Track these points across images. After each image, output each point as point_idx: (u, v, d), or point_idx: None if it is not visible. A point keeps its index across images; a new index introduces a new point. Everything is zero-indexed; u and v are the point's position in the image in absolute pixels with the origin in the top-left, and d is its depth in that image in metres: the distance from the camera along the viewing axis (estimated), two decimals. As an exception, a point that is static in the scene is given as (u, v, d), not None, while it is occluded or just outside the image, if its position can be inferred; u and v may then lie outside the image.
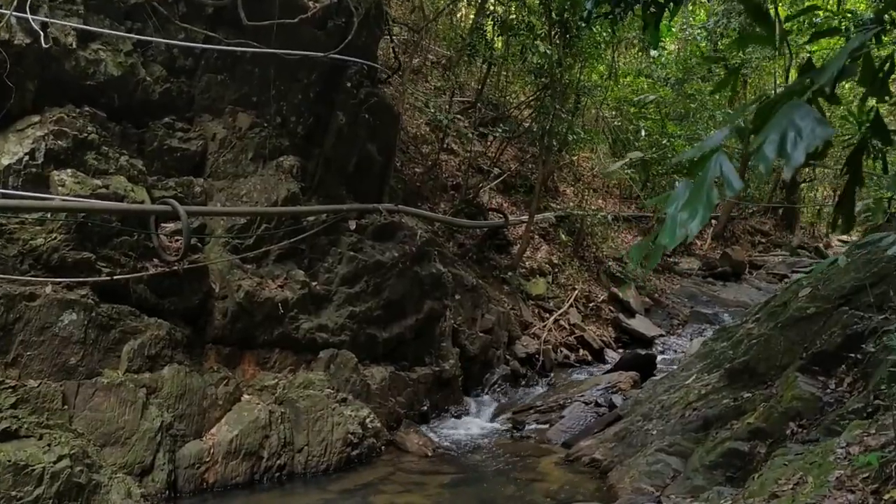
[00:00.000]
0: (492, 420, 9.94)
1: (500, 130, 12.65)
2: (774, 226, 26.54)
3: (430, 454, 8.28)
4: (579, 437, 8.49)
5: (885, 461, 3.19)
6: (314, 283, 8.42)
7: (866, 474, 3.36)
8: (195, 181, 7.86)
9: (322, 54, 8.39)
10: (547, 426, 9.38)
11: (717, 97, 18.78)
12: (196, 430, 6.94)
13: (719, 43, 22.18)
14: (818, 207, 29.79)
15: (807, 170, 27.09)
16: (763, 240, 24.81)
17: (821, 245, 27.25)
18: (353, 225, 9.05)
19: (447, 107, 14.43)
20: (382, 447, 8.14)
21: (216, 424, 7.11)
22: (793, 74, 25.76)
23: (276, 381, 7.77)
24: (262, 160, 8.41)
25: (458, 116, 13.37)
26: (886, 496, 3.04)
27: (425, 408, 9.48)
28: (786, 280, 19.35)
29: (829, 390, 6.24)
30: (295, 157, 8.68)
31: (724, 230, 22.62)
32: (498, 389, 10.89)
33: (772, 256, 22.48)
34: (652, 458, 6.78)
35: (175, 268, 7.05)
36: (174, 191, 7.56)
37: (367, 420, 7.98)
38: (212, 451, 6.90)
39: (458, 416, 9.88)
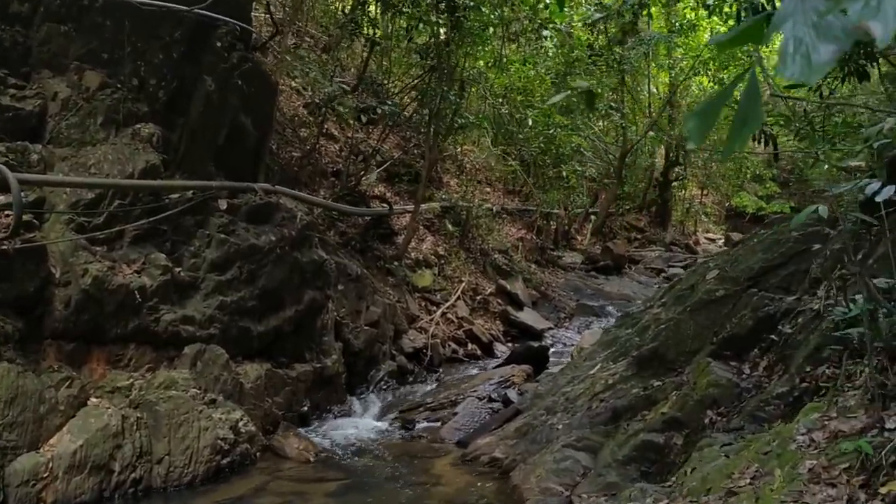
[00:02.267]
0: (379, 420, 9.16)
1: (386, 106, 11.82)
2: (649, 223, 27.15)
3: (312, 459, 7.42)
4: (476, 435, 7.85)
5: (875, 449, 2.71)
6: (178, 269, 7.37)
7: (845, 464, 2.87)
8: (31, 147, 6.65)
9: (187, 8, 7.35)
10: (439, 424, 8.70)
11: (600, 91, 18.78)
12: (31, 441, 5.81)
13: (599, 38, 22.38)
14: (687, 206, 30.87)
15: (678, 168, 27.93)
16: (638, 236, 25.30)
17: (690, 242, 28.19)
18: (223, 204, 8.05)
19: (328, 87, 13.51)
20: (258, 453, 7.22)
21: (56, 434, 5.99)
22: (663, 76, 26.49)
23: (131, 381, 6.69)
24: (116, 127, 7.28)
25: (341, 98, 12.46)
26: (884, 489, 2.54)
27: (305, 408, 8.60)
28: (663, 274, 19.69)
29: (744, 375, 5.88)
30: (155, 125, 7.59)
31: (603, 226, 22.83)
32: (384, 387, 10.12)
33: (648, 251, 22.88)
34: (559, 455, 6.21)
35: (4, 247, 5.87)
36: (4, 157, 6.34)
37: (240, 423, 7.04)
38: (50, 465, 5.78)
39: (342, 417, 9.05)
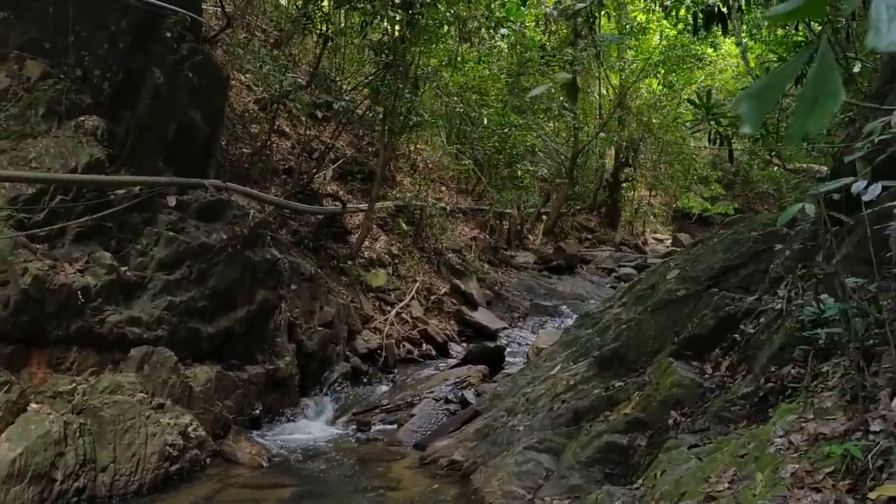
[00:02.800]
0: (333, 422, 8.94)
1: (342, 102, 11.57)
2: (599, 223, 27.38)
3: (264, 464, 7.17)
4: (433, 438, 7.70)
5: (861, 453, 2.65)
6: (124, 268, 7.05)
7: (830, 468, 2.80)
8: (-34, 139, 6.28)
9: (135, -4, 7.06)
10: (395, 427, 8.53)
11: (553, 92, 18.82)
12: (-36, 451, 5.45)
13: (551, 39, 22.48)
14: (636, 207, 31.24)
15: (627, 170, 28.23)
16: (589, 236, 25.49)
17: (639, 242, 28.53)
18: (172, 201, 7.74)
19: (279, 85, 13.20)
20: (208, 459, 6.95)
21: (-7, 442, 5.64)
22: (613, 79, 26.74)
23: (74, 385, 6.36)
24: (58, 119, 6.92)
25: (294, 93, 12.17)
26: (873, 494, 2.47)
27: (257, 412, 8.34)
28: (614, 274, 19.84)
29: (707, 375, 5.85)
30: (100, 117, 7.24)
31: (554, 226, 22.91)
32: (338, 389, 9.90)
33: (599, 251, 23.04)
34: (521, 457, 6.10)
35: (-65, 244, 5.51)
36: (-64, 148, 5.97)
37: (190, 428, 6.76)
38: (-14, 475, 5.45)
39: (296, 420, 8.81)
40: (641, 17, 23.06)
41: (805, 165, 11.87)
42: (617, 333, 6.80)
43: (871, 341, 3.48)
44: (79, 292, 6.48)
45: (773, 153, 9.12)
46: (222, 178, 8.87)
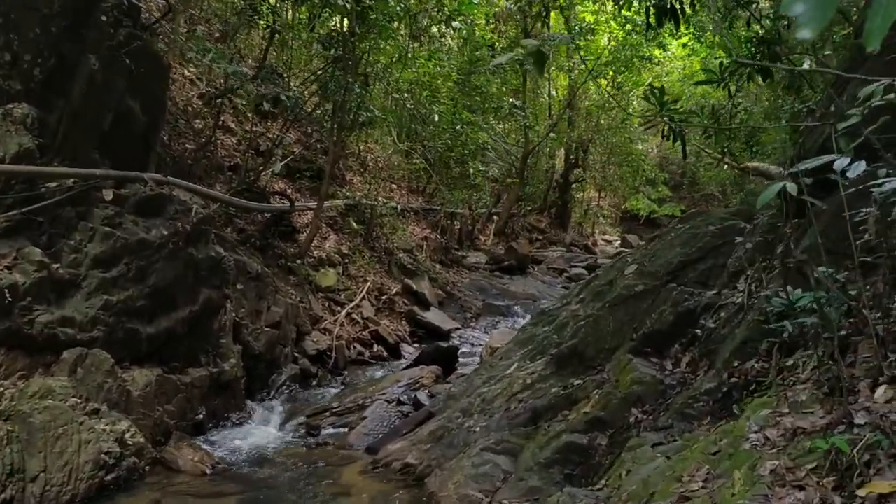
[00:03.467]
0: (281, 427, 8.60)
1: (290, 93, 11.21)
2: (549, 224, 27.44)
3: (208, 472, 6.82)
4: (386, 440, 7.44)
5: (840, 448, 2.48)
6: (56, 266, 6.62)
7: (812, 464, 2.65)
8: None
9: (68, -24, 6.64)
10: (346, 430, 8.24)
11: (504, 89, 18.73)
12: None
13: (501, 40, 22.39)
14: (585, 208, 31.43)
15: (577, 170, 28.37)
16: (540, 237, 25.51)
17: (589, 243, 28.68)
18: (109, 195, 7.33)
19: (224, 75, 12.77)
20: (147, 467, 6.56)
21: None
22: (562, 80, 26.84)
23: (1, 390, 5.93)
24: (-17, 106, 6.47)
25: (240, 86, 11.77)
26: (862, 491, 2.31)
27: (201, 416, 7.96)
28: (565, 274, 19.82)
29: (667, 372, 5.72)
30: (30, 105, 6.81)
31: (506, 227, 22.83)
32: (287, 391, 9.55)
33: (550, 252, 23.04)
34: (478, 459, 5.89)
35: None
36: None
37: (127, 435, 6.38)
38: None
39: (242, 424, 8.45)
40: (590, 18, 23.17)
41: (756, 164, 11.93)
42: (575, 330, 6.63)
43: (844, 332, 3.35)
44: (6, 291, 6.05)
45: (725, 149, 9.09)
46: (163, 173, 8.48)
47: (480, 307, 14.76)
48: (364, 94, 12.67)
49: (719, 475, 3.03)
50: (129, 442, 6.39)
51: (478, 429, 6.34)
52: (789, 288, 4.34)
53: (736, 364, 4.88)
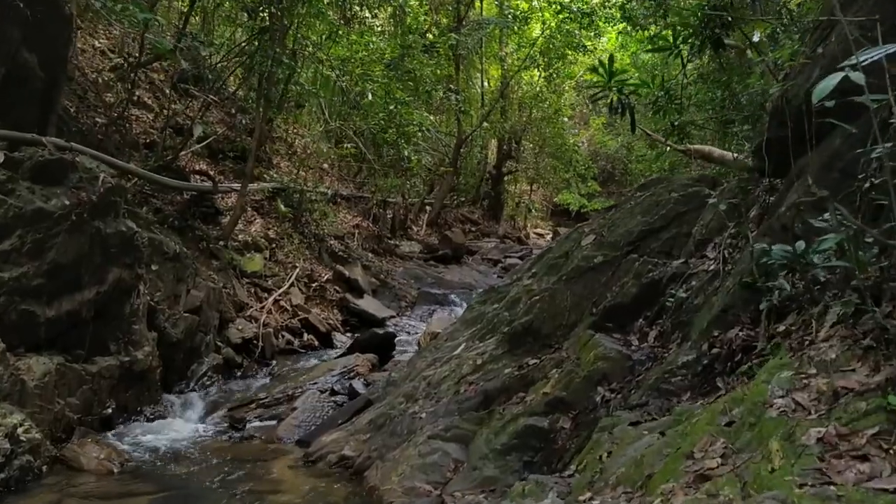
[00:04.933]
0: (202, 420, 7.81)
1: (211, 69, 10.33)
2: (482, 216, 27.01)
3: (115, 471, 6.01)
4: (319, 432, 6.75)
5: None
6: (-67, 235, 5.70)
7: (873, 429, 2.13)
8: None
9: None
10: (275, 422, 7.50)
11: (437, 73, 18.14)
12: None
13: (432, 29, 21.84)
14: (517, 200, 31.15)
15: (510, 162, 28.03)
16: (473, 228, 25.04)
17: (521, 235, 28.39)
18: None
19: (136, 55, 11.80)
20: (44, 466, 5.75)
21: None
22: (494, 71, 26.45)
23: None
24: None
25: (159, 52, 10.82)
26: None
27: (110, 410, 7.10)
28: (500, 264, 19.38)
29: (633, 347, 5.22)
30: None
31: (438, 217, 22.27)
32: (208, 382, 8.72)
33: (485, 242, 22.60)
34: (425, 448, 5.27)
35: None
36: None
37: (20, 430, 5.54)
38: None
39: (157, 419, 7.62)
40: (525, 6, 22.83)
41: (698, 147, 11.63)
42: (528, 307, 6.08)
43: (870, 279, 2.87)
44: None
45: (675, 123, 8.70)
46: (65, 140, 7.57)
47: (416, 295, 14.14)
48: (293, 66, 11.88)
49: (740, 449, 2.50)
50: (23, 438, 5.55)
51: (424, 415, 5.72)
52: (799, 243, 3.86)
53: (716, 334, 4.39)
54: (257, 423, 7.59)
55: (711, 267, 5.11)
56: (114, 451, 6.30)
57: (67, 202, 6.77)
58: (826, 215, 3.21)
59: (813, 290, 3.40)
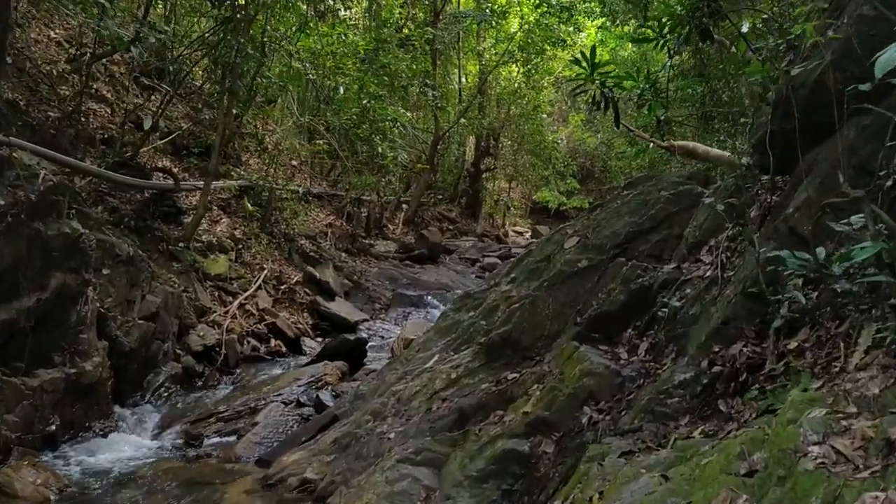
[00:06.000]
0: (156, 436, 7.25)
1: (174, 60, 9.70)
2: (460, 214, 26.55)
3: (52, 497, 5.48)
4: (281, 451, 6.21)
5: None
6: None
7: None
8: None
9: None
10: (234, 438, 6.97)
11: (413, 68, 17.62)
12: None
13: (408, 24, 21.30)
14: (496, 198, 30.74)
15: (488, 159, 27.57)
16: (451, 226, 24.58)
17: (500, 233, 27.96)
18: (-77, 152, 5.81)
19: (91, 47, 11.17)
20: (-30, 495, 5.16)
21: None
22: (472, 67, 25.95)
23: None
24: None
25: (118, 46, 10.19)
26: None
27: (53, 427, 6.53)
28: (478, 264, 18.91)
29: (622, 361, 4.74)
30: None
31: (415, 216, 21.75)
32: (165, 394, 8.15)
33: (462, 241, 22.12)
34: (393, 474, 4.75)
35: None
36: None
37: (-58, 455, 4.95)
38: None
39: (107, 435, 7.05)
40: (502, 0, 22.36)
41: (683, 143, 11.21)
42: (507, 315, 5.58)
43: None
44: None
45: (661, 119, 8.24)
46: (5, 133, 6.96)
47: (390, 297, 13.61)
48: (262, 59, 11.31)
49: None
50: (-55, 464, 4.97)
51: (392, 435, 5.20)
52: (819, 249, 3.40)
53: (717, 349, 3.93)
54: (216, 440, 7.06)
55: (708, 273, 4.65)
56: (52, 475, 5.75)
57: (2, 202, 6.18)
58: (854, 218, 2.74)
59: (836, 305, 2.94)
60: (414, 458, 4.85)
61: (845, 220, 2.99)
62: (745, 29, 9.21)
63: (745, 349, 3.77)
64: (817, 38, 3.82)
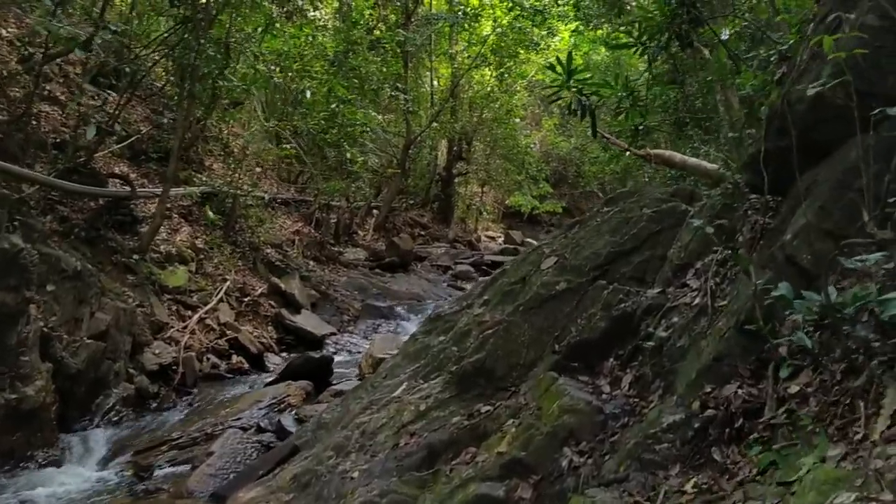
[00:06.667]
0: (104, 466, 6.78)
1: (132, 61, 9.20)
2: (432, 219, 26.16)
3: (-17, 541, 4.98)
4: (238, 485, 5.76)
5: None
6: None
7: None
8: None
9: None
10: (188, 468, 6.51)
11: (384, 70, 17.20)
12: None
13: (379, 26, 20.88)
14: (468, 203, 30.42)
15: (460, 163, 27.22)
16: (422, 232, 24.18)
17: (472, 239, 27.61)
18: None
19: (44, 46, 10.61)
20: None
21: None
22: (444, 70, 25.60)
23: None
24: None
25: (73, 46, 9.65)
26: None
27: (-11, 459, 6.04)
28: (450, 271, 18.56)
29: (605, 395, 4.38)
30: None
31: (386, 221, 21.31)
32: (116, 418, 7.66)
33: (434, 248, 21.73)
34: (356, 519, 4.35)
35: None
36: None
37: None
38: None
39: (50, 465, 6.57)
40: (475, 2, 22.02)
41: (659, 151, 10.94)
42: (480, 341, 5.20)
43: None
44: None
45: (640, 126, 7.94)
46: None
47: (359, 308, 13.17)
48: (223, 60, 10.84)
49: None
50: None
51: (356, 474, 4.79)
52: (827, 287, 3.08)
53: (709, 389, 3.58)
54: (168, 470, 6.59)
55: (696, 300, 4.30)
56: (-16, 514, 5.27)
57: (-69, 216, 5.69)
58: (874, 256, 2.40)
59: (852, 355, 2.60)
60: (379, 501, 4.44)
61: (860, 258, 2.65)
62: (724, 36, 8.92)
63: (740, 391, 3.43)
64: (837, 53, 3.45)
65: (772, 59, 4.66)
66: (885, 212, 3.14)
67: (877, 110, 2.68)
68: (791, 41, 4.40)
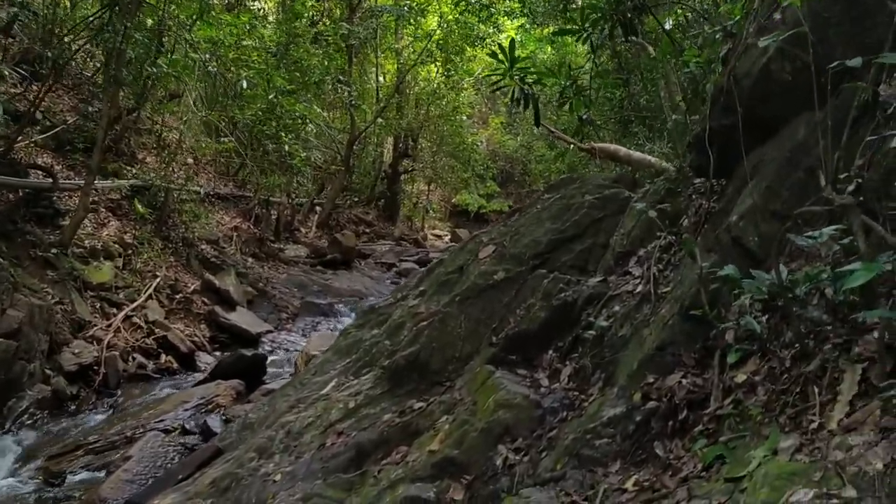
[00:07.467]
0: (14, 472, 6.30)
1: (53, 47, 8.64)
2: (377, 216, 25.79)
3: None
4: (155, 491, 5.36)
5: None
6: None
7: None
8: None
9: None
10: (104, 474, 6.07)
11: (326, 63, 16.80)
12: None
13: (324, 20, 20.48)
14: (415, 201, 30.11)
15: (406, 161, 26.91)
16: (367, 230, 23.79)
17: (419, 237, 27.32)
18: None
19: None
20: None
21: None
22: (390, 66, 25.25)
23: None
24: None
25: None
26: None
27: None
28: (395, 268, 18.24)
29: (543, 388, 4.13)
30: None
31: (330, 218, 20.87)
32: (29, 421, 7.16)
33: (378, 246, 21.36)
34: (276, 526, 4.02)
35: None
36: None
37: None
38: None
39: (-47, 474, 6.06)
40: (421, -1, 21.74)
41: (603, 145, 10.80)
42: (414, 334, 4.91)
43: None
44: None
45: (584, 116, 7.76)
46: None
47: (298, 306, 12.75)
48: (154, 47, 10.34)
49: None
50: None
51: (278, 477, 4.45)
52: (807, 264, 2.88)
53: (651, 380, 3.36)
54: (82, 476, 6.15)
55: (638, 288, 4.09)
56: None
57: None
58: (828, 230, 2.18)
59: (803, 339, 2.38)
60: (302, 505, 4.12)
61: (811, 234, 2.44)
62: (668, 26, 8.79)
63: (684, 381, 3.21)
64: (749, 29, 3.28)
65: (717, 36, 4.48)
66: (838, 188, 2.96)
67: (835, 63, 2.46)
68: (737, 18, 4.22)
